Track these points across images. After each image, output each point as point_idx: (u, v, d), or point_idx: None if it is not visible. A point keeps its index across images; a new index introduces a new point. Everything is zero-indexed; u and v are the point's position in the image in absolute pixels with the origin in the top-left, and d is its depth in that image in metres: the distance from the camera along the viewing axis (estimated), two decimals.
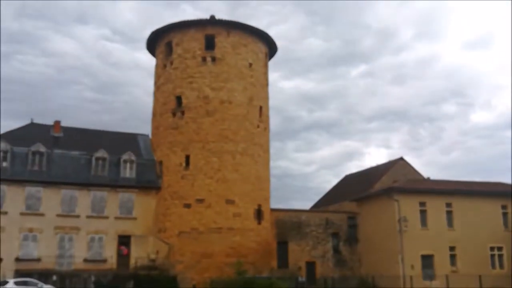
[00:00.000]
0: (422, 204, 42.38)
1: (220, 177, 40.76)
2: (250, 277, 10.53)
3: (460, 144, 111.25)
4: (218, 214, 40.10)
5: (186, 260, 39.25)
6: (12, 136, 40.80)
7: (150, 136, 46.13)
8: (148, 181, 42.22)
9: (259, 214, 42.01)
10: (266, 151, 44.67)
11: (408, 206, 41.47)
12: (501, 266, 43.36)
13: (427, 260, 41.38)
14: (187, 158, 41.32)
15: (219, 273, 37.46)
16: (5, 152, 39.09)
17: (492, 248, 43.50)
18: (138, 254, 39.70)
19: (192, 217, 40.05)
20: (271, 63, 49.18)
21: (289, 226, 44.74)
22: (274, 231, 43.89)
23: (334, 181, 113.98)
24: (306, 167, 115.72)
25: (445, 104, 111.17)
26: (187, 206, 40.35)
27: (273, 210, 44.33)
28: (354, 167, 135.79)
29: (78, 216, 39.61)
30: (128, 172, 42.01)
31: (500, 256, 43.68)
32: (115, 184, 41.14)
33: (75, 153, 41.58)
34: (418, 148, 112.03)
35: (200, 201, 40.24)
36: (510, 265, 43.29)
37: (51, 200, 39.11)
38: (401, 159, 53.36)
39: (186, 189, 40.63)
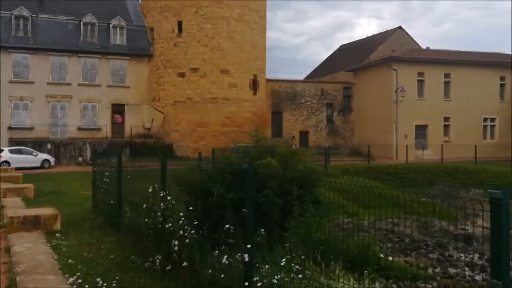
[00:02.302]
0: (421, 74, 41.61)
1: (214, 45, 39.07)
2: (269, 145, 9.93)
3: (452, 15, 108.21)
4: (213, 84, 39.10)
5: (182, 129, 39.04)
6: None
7: (139, 0, 43.50)
8: (139, 49, 40.52)
9: (254, 85, 41.06)
10: (263, 17, 42.43)
11: (406, 76, 40.67)
12: (492, 136, 43.95)
13: (421, 130, 41.69)
14: (180, 24, 39.23)
15: (214, 141, 37.33)
16: None
17: (485, 119, 43.75)
18: (133, 123, 39.34)
19: (186, 87, 39.06)
20: None
21: (284, 96, 44.12)
22: (269, 102, 43.32)
23: (324, 53, 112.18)
24: (296, 38, 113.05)
25: None
26: (181, 75, 39.16)
27: (268, 80, 43.39)
28: (344, 38, 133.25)
29: (69, 84, 38.46)
30: (118, 38, 40.10)
31: (493, 127, 44.10)
32: (106, 51, 39.48)
33: (61, 18, 39.23)
34: (409, 19, 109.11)
35: (194, 70, 38.96)
36: (501, 136, 43.77)
37: (40, 67, 37.64)
38: (400, 28, 51.43)
39: (179, 58, 39.11)
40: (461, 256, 9.81)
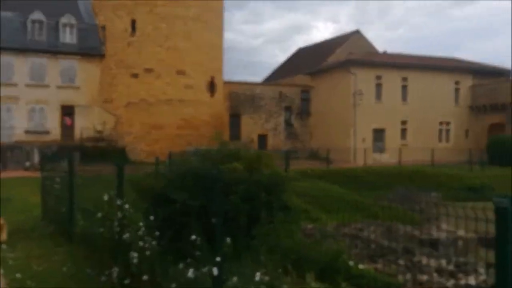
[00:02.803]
0: (379, 77, 42.03)
1: (170, 45, 38.23)
2: (233, 149, 9.53)
3: (407, 19, 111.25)
4: (168, 85, 38.26)
5: (135, 132, 37.99)
6: None
7: None
8: (90, 48, 39.09)
9: (212, 86, 40.41)
10: (219, 17, 41.85)
11: (364, 80, 41.00)
12: (447, 140, 44.83)
13: (379, 134, 42.04)
14: (133, 23, 38.16)
15: (170, 145, 36.41)
16: None
17: (441, 123, 44.58)
18: (84, 125, 37.86)
19: (140, 88, 38.04)
20: None
21: (242, 99, 43.72)
22: (227, 104, 42.79)
23: (281, 56, 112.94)
24: (253, 40, 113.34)
25: None
26: (135, 76, 38.12)
27: (226, 82, 42.83)
28: (301, 41, 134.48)
29: (15, 85, 36.66)
30: (68, 37, 38.58)
31: (448, 131, 45.01)
32: (55, 50, 37.90)
33: (7, 14, 37.40)
34: (366, 22, 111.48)
35: (149, 70, 37.99)
36: (455, 140, 44.74)
37: None
38: (357, 31, 51.94)
39: (133, 58, 38.06)
40: (429, 262, 9.56)
